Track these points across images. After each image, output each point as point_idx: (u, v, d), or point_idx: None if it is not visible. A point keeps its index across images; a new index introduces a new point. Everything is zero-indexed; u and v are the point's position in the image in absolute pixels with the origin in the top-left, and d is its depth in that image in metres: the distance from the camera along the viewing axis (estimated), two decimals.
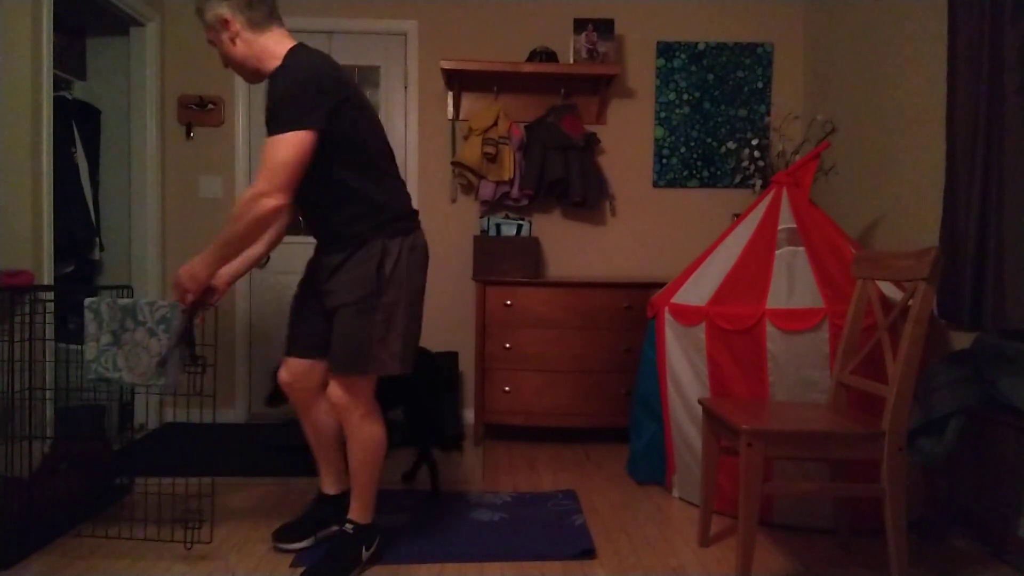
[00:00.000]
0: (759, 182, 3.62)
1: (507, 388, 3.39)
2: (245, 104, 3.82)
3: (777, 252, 2.59)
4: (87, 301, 2.15)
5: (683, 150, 3.91)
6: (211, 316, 2.39)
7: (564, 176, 3.61)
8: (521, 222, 3.66)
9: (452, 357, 3.59)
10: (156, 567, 2.06)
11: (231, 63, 2.01)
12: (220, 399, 3.86)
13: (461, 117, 3.84)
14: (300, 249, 3.90)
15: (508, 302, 3.37)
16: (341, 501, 2.21)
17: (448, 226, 3.88)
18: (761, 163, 3.62)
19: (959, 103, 2.45)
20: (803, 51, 3.92)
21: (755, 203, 2.88)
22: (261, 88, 3.83)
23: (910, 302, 1.95)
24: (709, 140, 3.91)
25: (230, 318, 3.84)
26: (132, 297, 2.56)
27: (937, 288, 2.32)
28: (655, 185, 3.92)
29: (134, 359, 2.07)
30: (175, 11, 3.78)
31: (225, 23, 1.94)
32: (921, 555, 2.22)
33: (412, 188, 3.86)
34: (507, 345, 3.37)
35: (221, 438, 3.42)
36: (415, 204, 3.85)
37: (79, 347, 2.90)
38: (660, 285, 3.30)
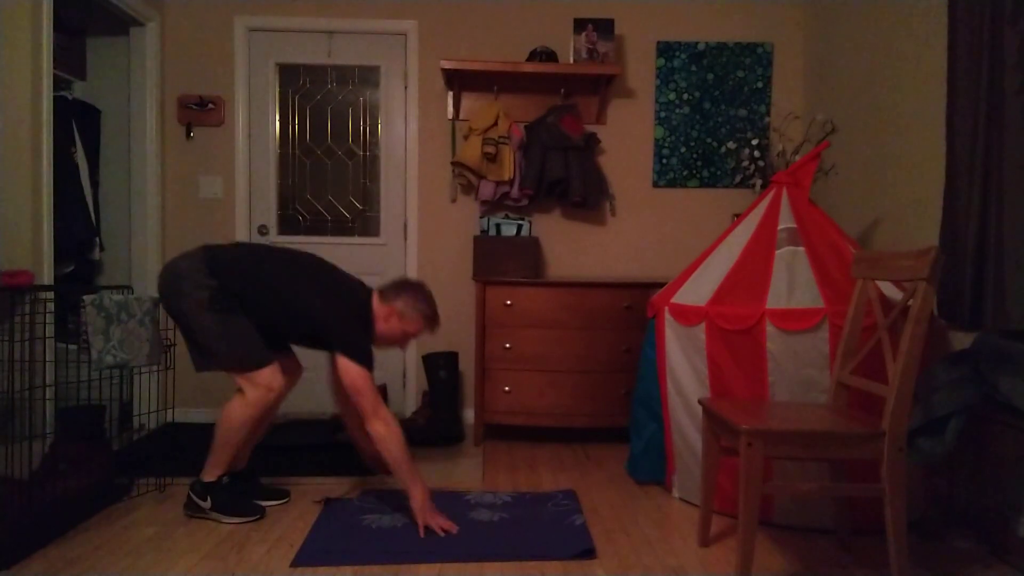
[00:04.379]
0: (759, 182, 3.62)
1: (507, 388, 3.39)
2: (245, 104, 3.82)
3: (777, 252, 2.58)
4: (87, 298, 2.37)
5: (683, 150, 3.91)
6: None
7: (564, 176, 3.61)
8: (521, 222, 3.66)
9: (452, 357, 3.59)
10: (156, 567, 2.06)
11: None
12: (220, 399, 3.86)
13: (461, 117, 3.84)
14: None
15: (508, 302, 3.37)
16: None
17: (448, 226, 3.88)
18: (761, 163, 3.62)
19: (959, 103, 2.45)
20: (803, 51, 3.92)
21: (755, 203, 2.88)
22: (261, 88, 3.84)
23: (910, 302, 1.95)
24: (709, 140, 3.91)
25: None
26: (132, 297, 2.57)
27: (937, 288, 2.33)
28: (655, 185, 3.92)
29: (128, 345, 2.51)
30: (175, 11, 3.78)
31: None
32: (921, 555, 2.22)
33: (412, 188, 3.86)
34: (507, 345, 3.37)
35: None
36: (416, 204, 3.87)
37: (79, 347, 2.91)
38: (660, 285, 3.30)
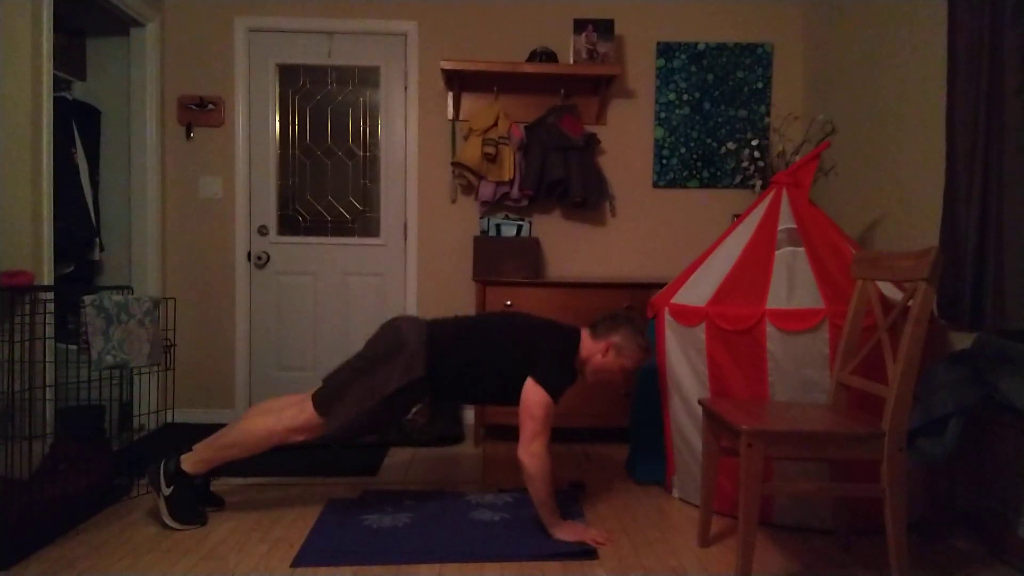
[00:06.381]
0: (759, 182, 3.62)
1: None
2: (245, 104, 3.82)
3: (777, 252, 2.58)
4: (87, 299, 2.37)
5: (683, 150, 3.91)
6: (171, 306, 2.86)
7: (564, 176, 3.61)
8: (521, 222, 3.66)
9: None
10: (156, 567, 2.06)
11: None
12: (220, 399, 3.87)
13: (461, 117, 3.84)
14: (296, 249, 3.91)
15: (508, 303, 3.37)
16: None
17: (448, 226, 3.88)
18: (761, 163, 3.62)
19: (959, 103, 2.45)
20: (803, 51, 3.92)
21: (755, 203, 2.88)
22: (261, 89, 3.84)
23: (910, 302, 1.95)
24: (709, 140, 3.91)
25: (230, 318, 3.84)
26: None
27: (937, 288, 2.32)
28: (655, 185, 3.92)
29: (128, 345, 2.52)
30: (175, 11, 3.78)
31: None
32: (921, 555, 2.22)
33: (412, 189, 3.86)
34: None
35: None
36: (416, 205, 3.87)
37: (79, 347, 2.91)
38: (660, 285, 3.30)
